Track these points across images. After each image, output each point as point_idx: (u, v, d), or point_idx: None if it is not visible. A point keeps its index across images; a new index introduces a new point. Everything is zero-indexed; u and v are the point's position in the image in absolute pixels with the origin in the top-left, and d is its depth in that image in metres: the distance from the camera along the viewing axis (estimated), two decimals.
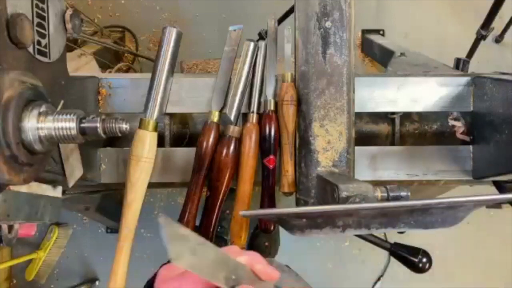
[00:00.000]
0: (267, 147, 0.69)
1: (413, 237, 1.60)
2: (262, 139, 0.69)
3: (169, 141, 0.76)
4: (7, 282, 1.70)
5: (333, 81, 0.65)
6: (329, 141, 0.65)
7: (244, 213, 0.43)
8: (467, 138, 0.76)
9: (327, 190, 0.58)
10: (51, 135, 0.45)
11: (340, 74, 0.65)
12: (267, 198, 0.70)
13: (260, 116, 0.71)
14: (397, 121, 0.80)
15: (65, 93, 0.59)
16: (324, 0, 0.65)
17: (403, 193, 0.55)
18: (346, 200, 0.51)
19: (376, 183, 0.72)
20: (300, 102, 0.67)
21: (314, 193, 0.65)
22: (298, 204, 0.68)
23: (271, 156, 0.69)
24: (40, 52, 0.52)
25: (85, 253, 1.74)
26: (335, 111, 0.65)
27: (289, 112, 0.68)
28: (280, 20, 1.33)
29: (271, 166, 0.69)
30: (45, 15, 0.53)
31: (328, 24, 0.65)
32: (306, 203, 0.66)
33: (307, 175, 0.65)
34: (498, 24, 1.62)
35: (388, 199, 0.54)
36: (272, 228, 0.70)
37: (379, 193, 0.55)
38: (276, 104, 0.70)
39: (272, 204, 0.70)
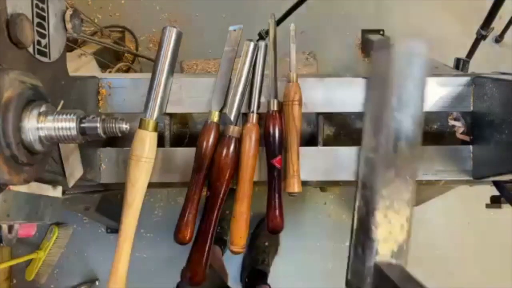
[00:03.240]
0: (274, 147, 0.69)
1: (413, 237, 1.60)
2: (267, 140, 0.69)
3: (169, 141, 0.76)
4: (7, 282, 1.70)
5: (401, 174, 0.64)
6: (390, 232, 0.64)
7: None
8: (467, 138, 0.76)
9: None
10: (51, 135, 0.45)
11: (409, 167, 0.64)
12: (276, 198, 0.69)
13: (261, 116, 0.71)
14: None
15: (65, 93, 0.59)
16: (401, 93, 0.64)
17: None
18: None
19: None
20: (364, 186, 0.67)
21: (370, 283, 0.64)
22: (349, 286, 0.68)
23: (280, 156, 0.69)
24: (40, 52, 0.52)
25: (85, 253, 1.74)
26: (400, 203, 0.64)
27: (299, 113, 0.69)
28: (281, 20, 1.33)
29: (279, 166, 0.69)
30: (45, 15, 0.53)
31: (401, 117, 0.64)
32: None
33: (364, 262, 0.64)
34: (498, 24, 1.62)
35: None
36: (281, 228, 0.70)
37: None
38: (279, 104, 0.70)
39: (282, 204, 0.70)
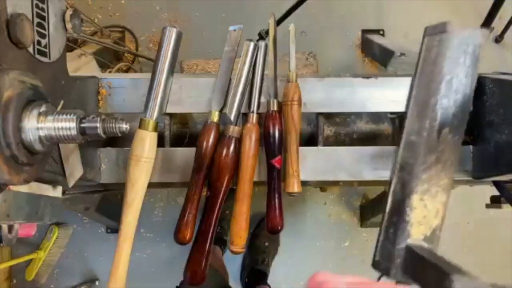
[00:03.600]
0: (274, 147, 0.69)
1: None
2: (267, 140, 0.69)
3: (169, 141, 0.76)
4: (7, 282, 1.70)
5: (442, 159, 0.64)
6: (425, 216, 0.64)
7: None
8: (467, 138, 0.76)
9: (428, 272, 0.56)
10: (51, 135, 0.45)
11: (450, 154, 0.64)
12: (276, 198, 0.70)
13: (261, 116, 0.71)
14: (397, 121, 0.80)
15: (65, 93, 0.59)
16: (451, 80, 0.64)
17: None
18: None
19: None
20: (402, 169, 0.67)
21: (400, 263, 0.64)
22: (376, 267, 0.67)
23: (280, 156, 0.69)
24: (40, 52, 0.52)
25: (85, 253, 1.74)
26: (438, 188, 0.64)
27: (298, 112, 0.69)
28: (281, 20, 1.33)
29: (279, 166, 0.69)
30: (45, 15, 0.53)
31: (449, 104, 0.64)
32: (387, 269, 0.65)
33: (394, 243, 0.64)
34: (498, 24, 1.62)
35: None
36: (281, 228, 0.70)
37: None
38: (279, 104, 0.70)
39: (281, 204, 0.70)
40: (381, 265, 0.66)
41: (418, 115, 0.66)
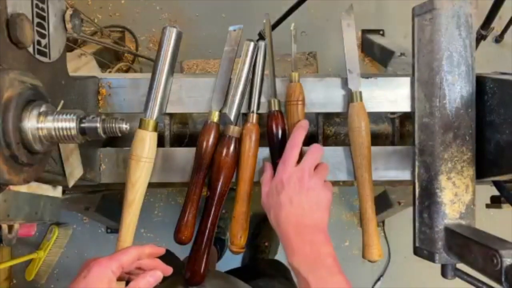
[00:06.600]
0: (278, 147, 0.69)
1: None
2: (271, 140, 0.69)
3: (169, 141, 0.76)
4: (7, 282, 1.70)
5: (459, 135, 0.64)
6: (456, 194, 0.64)
7: None
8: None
9: (473, 250, 0.55)
10: (51, 135, 0.45)
11: (467, 127, 0.64)
12: None
13: (261, 116, 0.71)
14: (397, 121, 0.80)
15: (65, 93, 0.59)
16: (451, 55, 0.64)
17: None
18: (511, 268, 0.48)
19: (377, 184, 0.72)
20: (422, 153, 0.67)
21: (442, 246, 0.64)
22: (419, 253, 0.67)
23: None
24: (40, 52, 0.52)
25: (85, 253, 1.74)
26: (462, 163, 0.64)
27: (303, 113, 0.69)
28: (281, 20, 1.33)
29: None
30: (45, 15, 0.53)
31: (455, 78, 0.63)
32: (431, 254, 0.65)
33: (431, 227, 0.64)
34: (498, 24, 1.62)
35: None
36: None
37: None
38: (280, 104, 0.70)
39: None
40: (424, 252, 0.65)
41: (426, 96, 0.65)
